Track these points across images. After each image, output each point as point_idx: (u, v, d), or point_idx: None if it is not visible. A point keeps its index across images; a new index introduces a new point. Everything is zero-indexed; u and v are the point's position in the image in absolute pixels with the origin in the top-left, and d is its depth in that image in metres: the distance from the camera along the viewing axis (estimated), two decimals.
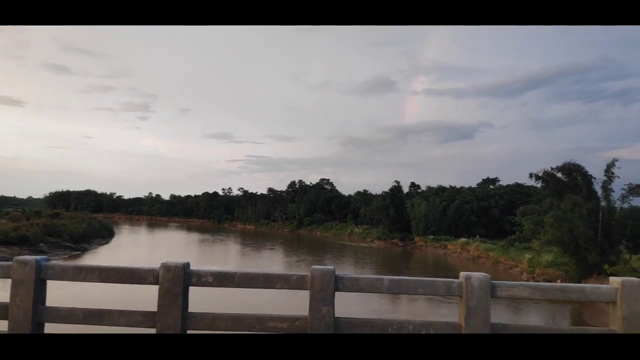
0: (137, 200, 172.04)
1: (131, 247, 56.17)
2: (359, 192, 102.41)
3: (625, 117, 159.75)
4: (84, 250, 44.58)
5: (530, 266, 37.95)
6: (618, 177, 32.75)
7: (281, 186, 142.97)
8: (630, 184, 32.35)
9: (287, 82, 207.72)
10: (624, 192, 32.41)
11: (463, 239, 59.71)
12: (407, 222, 76.38)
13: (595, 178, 33.67)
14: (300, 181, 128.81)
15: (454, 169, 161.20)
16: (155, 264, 4.57)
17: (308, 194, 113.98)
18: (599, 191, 33.36)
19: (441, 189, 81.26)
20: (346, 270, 40.20)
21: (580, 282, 28.02)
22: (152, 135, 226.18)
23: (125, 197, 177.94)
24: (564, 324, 22.37)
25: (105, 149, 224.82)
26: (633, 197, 32.48)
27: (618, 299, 4.43)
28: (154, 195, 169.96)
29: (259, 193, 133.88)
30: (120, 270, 4.66)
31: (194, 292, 4.69)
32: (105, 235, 60.60)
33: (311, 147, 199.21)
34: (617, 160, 32.89)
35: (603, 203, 32.70)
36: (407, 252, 63.15)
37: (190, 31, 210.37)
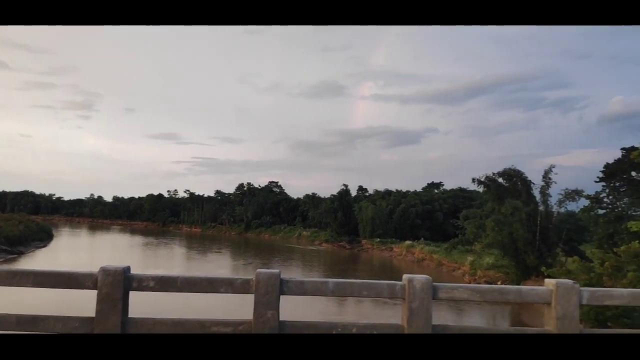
0: (77, 202, 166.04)
1: (71, 250, 54.14)
2: (307, 195, 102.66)
3: (563, 125, 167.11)
4: (20, 254, 42.69)
5: (472, 268, 39.03)
6: (555, 183, 34.30)
7: (229, 188, 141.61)
8: (566, 189, 33.87)
9: (235, 84, 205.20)
10: (560, 197, 33.91)
11: (408, 242, 60.80)
12: (355, 225, 77.12)
13: (534, 183, 35.14)
14: (248, 184, 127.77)
15: (400, 173, 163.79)
16: (96, 269, 4.43)
17: (256, 197, 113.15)
18: (538, 196, 34.80)
19: (388, 192, 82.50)
20: (293, 273, 40.19)
21: (519, 284, 29.08)
22: (94, 134, 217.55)
23: (66, 198, 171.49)
24: (503, 325, 23.13)
25: (44, 148, 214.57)
26: (569, 201, 34.02)
27: (553, 300, 4.62)
28: (95, 196, 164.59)
29: (205, 195, 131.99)
30: (57, 274, 4.48)
31: (139, 296, 4.57)
32: (43, 238, 58.16)
33: (260, 149, 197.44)
34: (554, 167, 34.45)
35: (541, 207, 34.09)
36: (354, 254, 63.74)
37: (136, 30, 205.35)
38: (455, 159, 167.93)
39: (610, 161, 33.85)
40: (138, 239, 78.49)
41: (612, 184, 33.02)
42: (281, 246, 72.22)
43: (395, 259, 56.83)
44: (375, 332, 4.44)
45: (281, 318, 4.42)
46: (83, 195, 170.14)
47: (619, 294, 4.89)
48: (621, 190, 32.50)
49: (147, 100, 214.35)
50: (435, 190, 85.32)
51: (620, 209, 30.91)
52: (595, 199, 32.46)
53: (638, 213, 29.54)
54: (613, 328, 15.79)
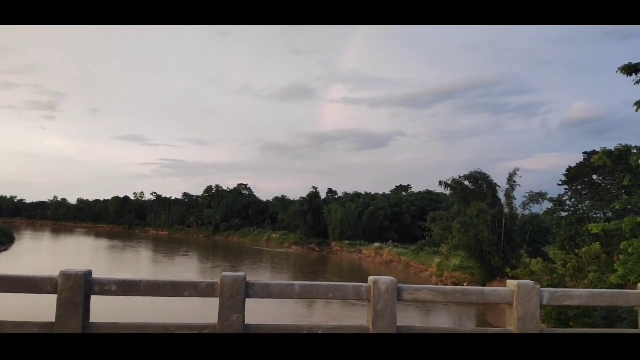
0: (40, 205, 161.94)
1: (33, 254, 52.81)
2: (277, 198, 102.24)
3: (526, 130, 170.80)
4: None
5: (439, 270, 39.51)
6: (520, 186, 35.05)
7: (197, 191, 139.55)
8: (530, 192, 34.64)
9: (204, 85, 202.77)
10: (525, 199, 34.65)
11: (377, 244, 61.13)
12: (324, 227, 77.18)
13: (499, 186, 35.83)
14: (217, 186, 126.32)
15: (369, 176, 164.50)
16: (57, 273, 4.33)
17: (225, 199, 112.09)
18: (503, 199, 35.48)
19: (357, 195, 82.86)
20: (262, 276, 40.02)
21: (485, 285, 29.57)
22: (58, 135, 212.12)
23: (28, 201, 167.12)
24: (468, 325, 23.49)
25: (6, 149, 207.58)
26: (533, 204, 34.79)
27: (514, 300, 4.72)
28: (59, 199, 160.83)
29: (173, 198, 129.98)
30: (16, 279, 4.38)
31: (109, 299, 4.49)
32: (4, 241, 56.69)
33: (229, 151, 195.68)
34: (518, 170, 35.18)
35: (506, 210, 34.76)
36: (323, 257, 63.84)
37: (101, 29, 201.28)
38: (423, 162, 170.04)
39: (572, 165, 34.71)
40: (103, 242, 77.00)
41: (574, 187, 33.88)
42: (250, 249, 71.81)
43: (364, 261, 57.12)
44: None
45: (248, 321, 4.40)
46: (46, 197, 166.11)
47: (578, 295, 5.03)
48: (583, 193, 33.38)
49: (114, 101, 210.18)
50: (404, 193, 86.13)
51: (581, 211, 31.75)
52: (558, 202, 33.25)
53: (599, 215, 30.40)
54: (574, 328, 16.20)
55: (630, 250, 16.20)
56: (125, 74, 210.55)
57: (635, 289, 5.26)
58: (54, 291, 4.24)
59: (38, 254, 54.27)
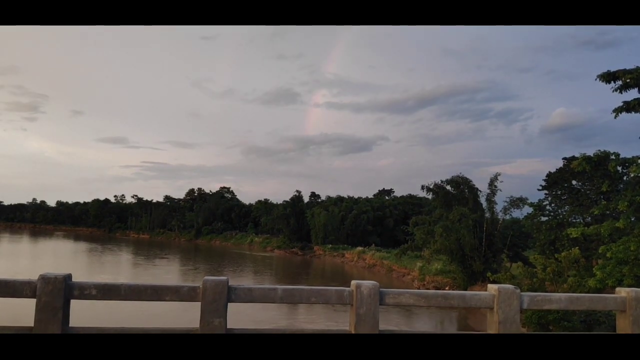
0: (19, 207, 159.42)
1: (10, 257, 51.92)
2: (260, 201, 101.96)
3: (507, 135, 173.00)
4: None
5: (421, 274, 39.68)
6: (500, 190, 35.39)
7: (179, 194, 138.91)
8: (511, 197, 35.00)
9: (189, 88, 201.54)
10: (506, 204, 35.00)
11: (359, 248, 61.22)
12: (307, 231, 77.10)
13: (480, 191, 36.14)
14: (199, 189, 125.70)
15: (352, 180, 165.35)
16: (36, 276, 4.27)
17: (207, 203, 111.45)
18: (484, 203, 35.78)
19: (340, 199, 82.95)
20: (244, 280, 39.83)
21: (466, 289, 29.78)
22: (39, 137, 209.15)
23: (6, 203, 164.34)
24: (450, 329, 23.63)
25: None
26: (514, 209, 35.14)
27: (495, 304, 4.77)
28: (38, 201, 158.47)
29: (154, 201, 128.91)
30: None
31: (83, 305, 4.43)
32: None
33: (212, 154, 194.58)
34: (499, 175, 35.53)
35: (487, 214, 35.07)
36: (306, 261, 63.73)
37: (85, 30, 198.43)
38: (406, 166, 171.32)
39: (552, 170, 35.15)
40: (82, 246, 76.00)
41: (553, 192, 34.30)
42: (232, 253, 71.42)
43: (347, 265, 57.17)
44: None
45: (230, 325, 4.39)
46: (25, 199, 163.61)
47: (557, 299, 5.09)
48: (562, 198, 33.81)
49: (96, 103, 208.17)
50: (386, 197, 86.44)
51: (561, 216, 32.16)
52: (538, 207, 33.65)
53: (578, 220, 30.82)
54: (554, 331, 16.40)
55: (608, 255, 16.46)
56: (108, 76, 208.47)
57: (613, 292, 5.35)
58: (32, 295, 4.18)
59: (15, 256, 53.36)
